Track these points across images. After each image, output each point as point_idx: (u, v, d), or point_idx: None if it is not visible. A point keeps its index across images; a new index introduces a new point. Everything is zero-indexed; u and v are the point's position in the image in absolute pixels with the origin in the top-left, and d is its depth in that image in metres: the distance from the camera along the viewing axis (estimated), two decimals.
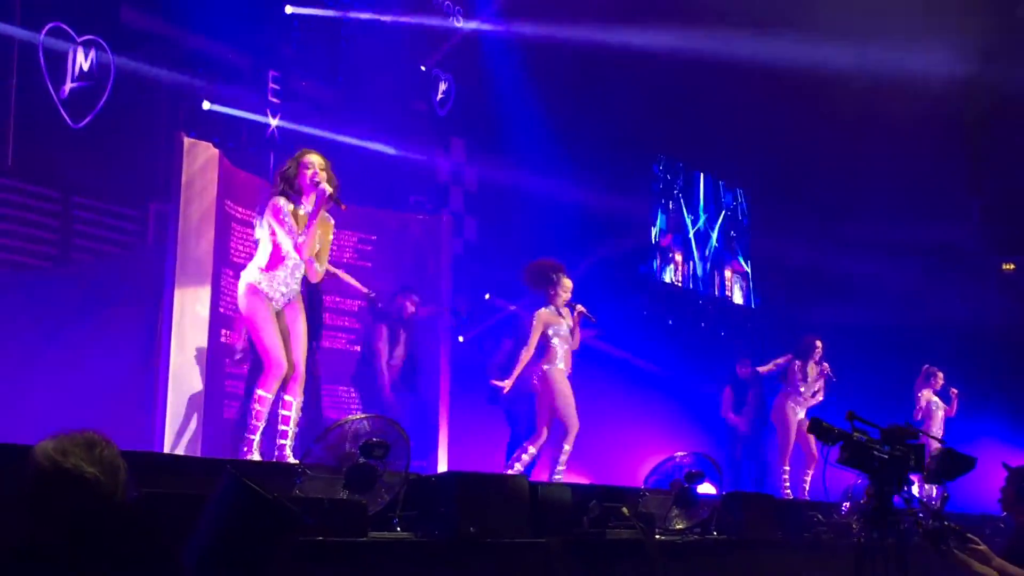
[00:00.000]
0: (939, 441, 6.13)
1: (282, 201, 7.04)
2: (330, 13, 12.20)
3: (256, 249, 7.26)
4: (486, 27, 13.77)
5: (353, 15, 12.42)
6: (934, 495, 12.84)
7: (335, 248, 10.94)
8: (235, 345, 9.54)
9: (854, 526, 8.93)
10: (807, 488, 11.94)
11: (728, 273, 18.97)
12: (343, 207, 7.18)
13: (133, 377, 9.40)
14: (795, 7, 13.93)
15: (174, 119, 10.34)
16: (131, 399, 9.27)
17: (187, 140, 9.52)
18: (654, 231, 17.20)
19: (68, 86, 9.95)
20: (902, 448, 5.38)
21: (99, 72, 10.19)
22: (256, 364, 8.11)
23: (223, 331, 9.66)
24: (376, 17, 12.61)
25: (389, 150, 12.64)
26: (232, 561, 3.91)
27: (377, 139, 12.46)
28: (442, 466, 10.96)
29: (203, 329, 9.37)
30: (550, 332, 9.35)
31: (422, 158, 13.31)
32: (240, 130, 11.25)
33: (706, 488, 7.80)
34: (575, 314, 9.53)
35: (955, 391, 14.10)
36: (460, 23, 13.70)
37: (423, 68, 13.33)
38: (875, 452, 5.34)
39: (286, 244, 7.03)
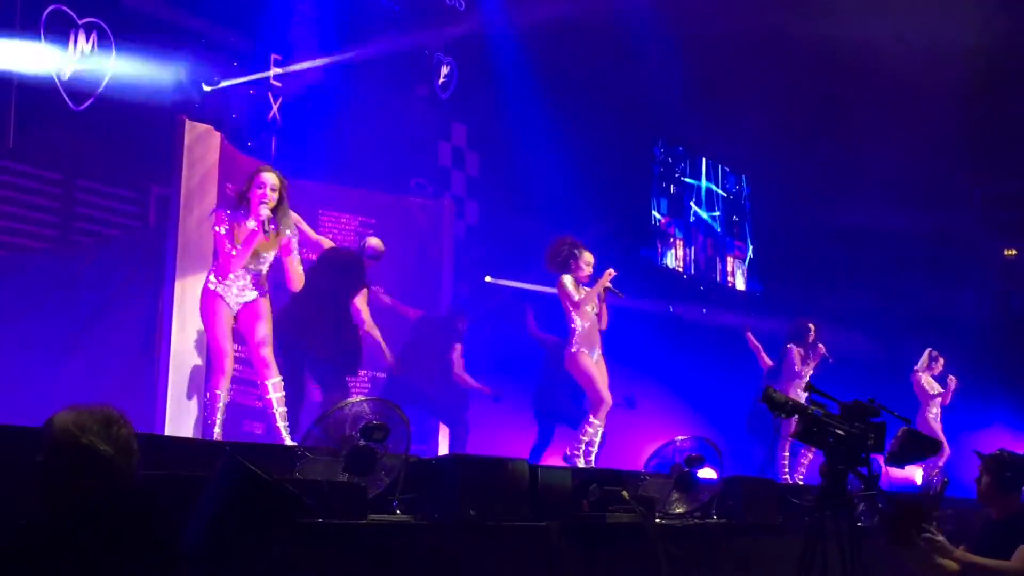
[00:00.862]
0: (904, 420, 5.87)
1: (224, 213, 7.33)
2: None
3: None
4: (488, 11, 13.72)
5: None
6: (935, 480, 12.88)
7: (337, 231, 10.97)
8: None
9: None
10: (803, 472, 11.95)
11: (730, 259, 18.94)
12: (279, 232, 7.45)
13: (134, 359, 9.40)
14: None
15: (176, 102, 10.30)
16: (132, 381, 9.28)
17: (188, 123, 9.51)
18: (655, 214, 17.17)
19: (70, 68, 9.92)
20: (860, 426, 5.17)
21: (100, 55, 10.16)
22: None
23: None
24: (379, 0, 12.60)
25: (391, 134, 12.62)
26: (231, 542, 3.92)
27: (379, 122, 12.43)
28: (442, 449, 10.97)
29: None
30: (573, 312, 9.35)
31: (424, 142, 13.28)
32: (242, 113, 11.22)
33: (706, 472, 7.81)
34: (600, 291, 9.53)
35: (953, 379, 14.10)
36: (463, 7, 13.67)
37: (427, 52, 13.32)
38: (832, 428, 5.14)
39: (234, 258, 7.27)
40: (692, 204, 18.08)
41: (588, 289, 9.45)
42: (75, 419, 3.20)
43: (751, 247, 19.32)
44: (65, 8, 9.89)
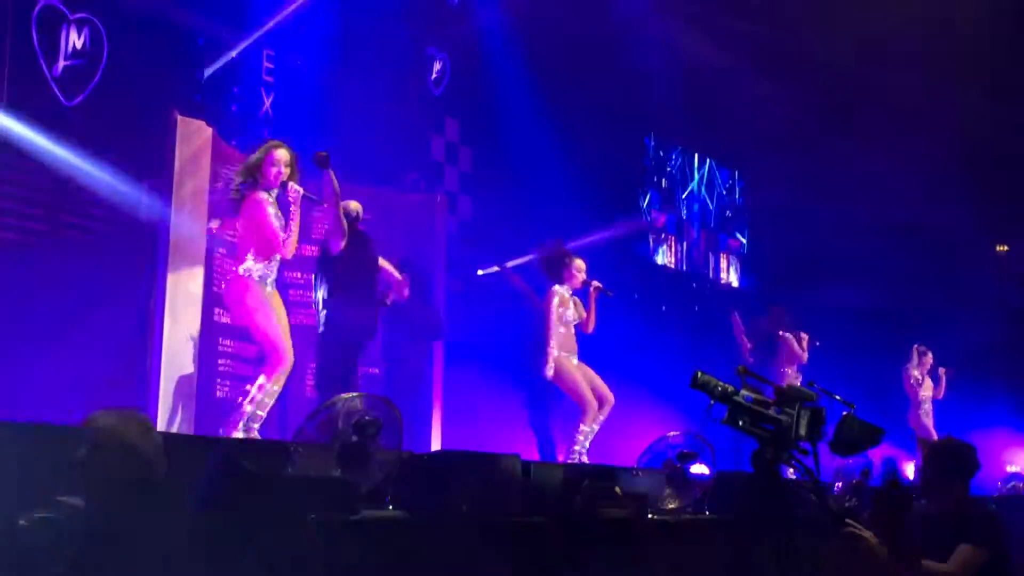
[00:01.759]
0: (847, 404, 5.74)
1: (263, 195, 7.16)
2: None
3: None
4: (481, 6, 13.71)
5: None
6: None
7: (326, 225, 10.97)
8: None
9: (847, 504, 8.96)
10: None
11: (724, 255, 18.90)
12: (324, 203, 7.35)
13: (126, 355, 9.38)
14: None
15: (168, 97, 10.27)
16: (124, 377, 9.25)
17: (180, 118, 9.48)
18: (644, 202, 17.11)
19: (61, 64, 9.90)
20: (791, 412, 4.71)
21: (92, 50, 10.14)
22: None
23: (216, 309, 9.64)
24: None
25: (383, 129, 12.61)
26: (223, 537, 3.93)
27: (371, 118, 12.41)
28: (435, 445, 10.97)
29: (196, 307, 9.35)
30: (553, 317, 9.38)
31: (417, 137, 13.28)
32: (234, 108, 11.21)
33: (699, 468, 7.82)
34: (592, 291, 9.58)
35: (943, 371, 14.14)
36: (455, 2, 13.66)
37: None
38: (763, 414, 4.71)
39: (275, 239, 7.14)
40: (684, 199, 18.05)
41: (572, 305, 9.49)
42: (119, 421, 3.57)
43: (745, 242, 19.28)
44: (57, 3, 9.87)
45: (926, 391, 13.95)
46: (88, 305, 9.30)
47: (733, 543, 4.97)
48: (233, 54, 11.09)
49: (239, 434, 7.05)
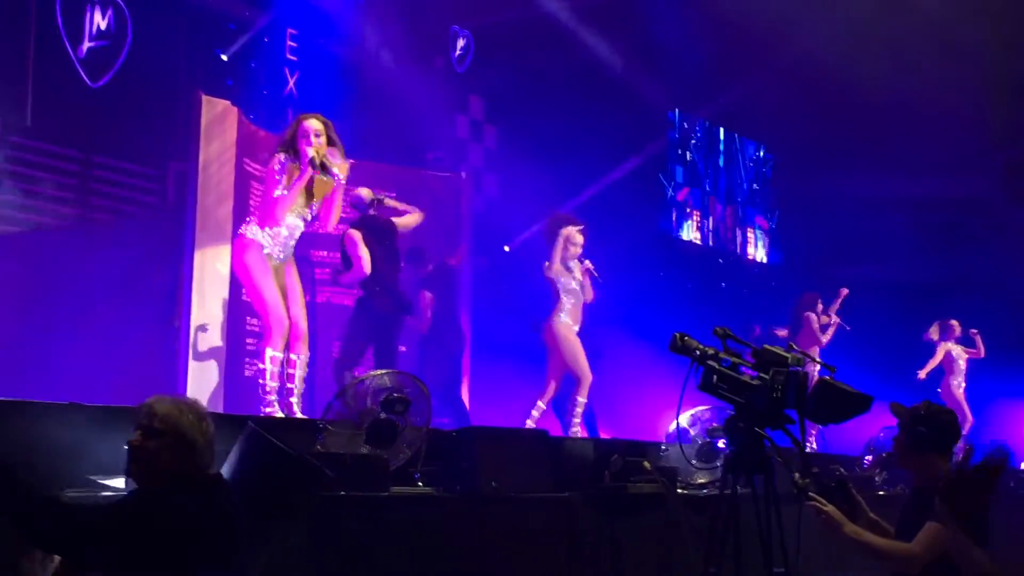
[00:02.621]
0: (829, 368, 4.82)
1: (282, 155, 7.10)
2: None
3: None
4: None
5: None
6: (957, 448, 12.82)
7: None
8: None
9: (877, 478, 8.91)
10: (813, 440, 11.92)
11: (751, 230, 18.73)
12: (335, 176, 7.24)
13: (154, 335, 9.43)
14: None
15: (192, 77, 10.29)
16: (153, 357, 9.31)
17: (206, 98, 9.51)
18: (671, 185, 17.02)
19: (86, 45, 9.92)
20: (764, 377, 4.39)
21: (117, 31, 10.15)
22: None
23: (244, 289, 9.66)
24: None
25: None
26: (255, 514, 3.94)
27: (395, 97, 12.39)
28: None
29: (223, 287, 9.39)
30: (558, 286, 9.45)
31: (441, 115, 13.25)
32: (259, 88, 11.21)
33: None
34: (583, 269, 9.63)
35: (975, 331, 14.09)
36: None
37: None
38: (736, 379, 4.44)
39: (283, 200, 7.07)
40: (709, 173, 17.89)
41: (564, 270, 9.52)
42: (176, 408, 3.64)
43: (772, 217, 19.14)
44: None
45: (959, 359, 13.90)
46: (116, 286, 9.36)
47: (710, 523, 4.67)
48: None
49: (276, 412, 7.05)
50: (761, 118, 17.67)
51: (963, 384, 13.98)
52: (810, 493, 4.57)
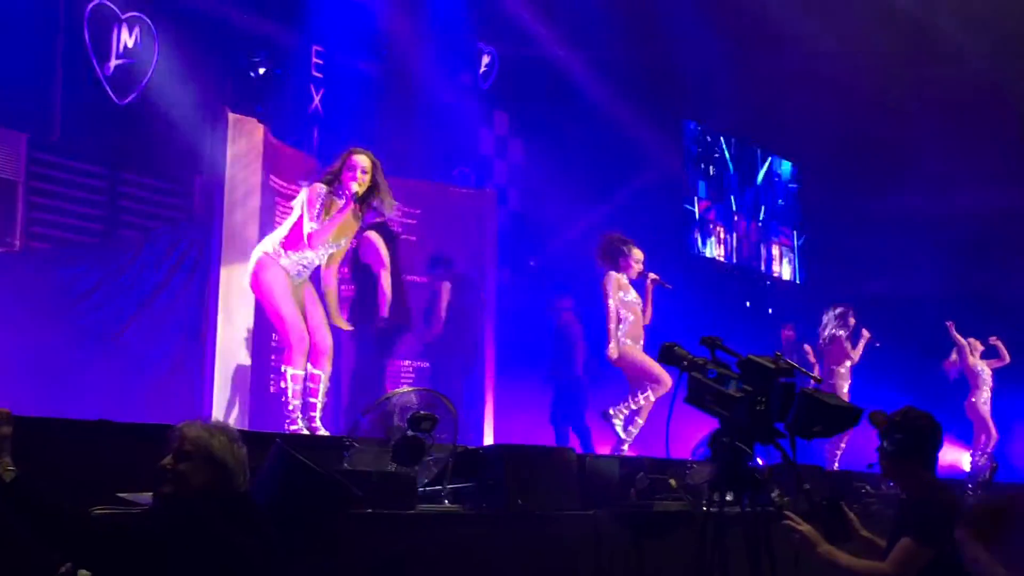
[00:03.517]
0: (815, 379, 4.80)
1: (322, 187, 7.09)
2: None
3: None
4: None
5: None
6: (983, 466, 12.73)
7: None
8: None
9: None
10: (838, 457, 11.83)
11: (776, 246, 18.51)
12: (383, 213, 7.27)
13: (181, 351, 9.45)
14: None
15: (219, 95, 10.35)
16: (179, 373, 9.34)
17: (232, 115, 9.54)
18: (695, 200, 16.92)
19: (113, 63, 10.00)
20: (750, 388, 4.17)
21: (143, 49, 10.23)
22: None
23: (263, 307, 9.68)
24: None
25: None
26: (283, 532, 3.92)
27: (420, 113, 12.43)
28: (488, 439, 10.97)
29: (250, 304, 9.38)
30: (617, 299, 9.31)
31: (466, 131, 13.28)
32: (284, 105, 11.25)
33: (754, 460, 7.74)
34: (648, 283, 9.54)
35: (994, 338, 13.95)
36: None
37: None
38: (719, 391, 4.22)
39: (308, 230, 7.06)
40: (734, 189, 17.76)
41: (632, 289, 9.42)
42: (206, 431, 3.71)
43: (798, 234, 18.91)
44: (108, 3, 9.97)
45: (984, 373, 13.77)
46: (142, 302, 9.41)
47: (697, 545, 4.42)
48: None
49: (301, 430, 7.03)
50: (788, 133, 17.56)
51: (988, 400, 13.82)
52: (785, 512, 4.47)
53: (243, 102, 10.36)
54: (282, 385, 7.17)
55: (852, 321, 12.30)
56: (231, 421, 8.87)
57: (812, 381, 4.90)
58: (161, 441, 3.77)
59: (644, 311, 9.49)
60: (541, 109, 13.68)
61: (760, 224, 18.24)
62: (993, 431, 13.54)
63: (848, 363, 12.09)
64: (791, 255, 18.67)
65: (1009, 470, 12.04)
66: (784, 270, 18.54)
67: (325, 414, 7.47)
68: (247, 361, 9.30)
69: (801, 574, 4.44)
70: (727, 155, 17.73)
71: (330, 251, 7.34)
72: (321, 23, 11.69)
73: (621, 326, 9.25)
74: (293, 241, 7.13)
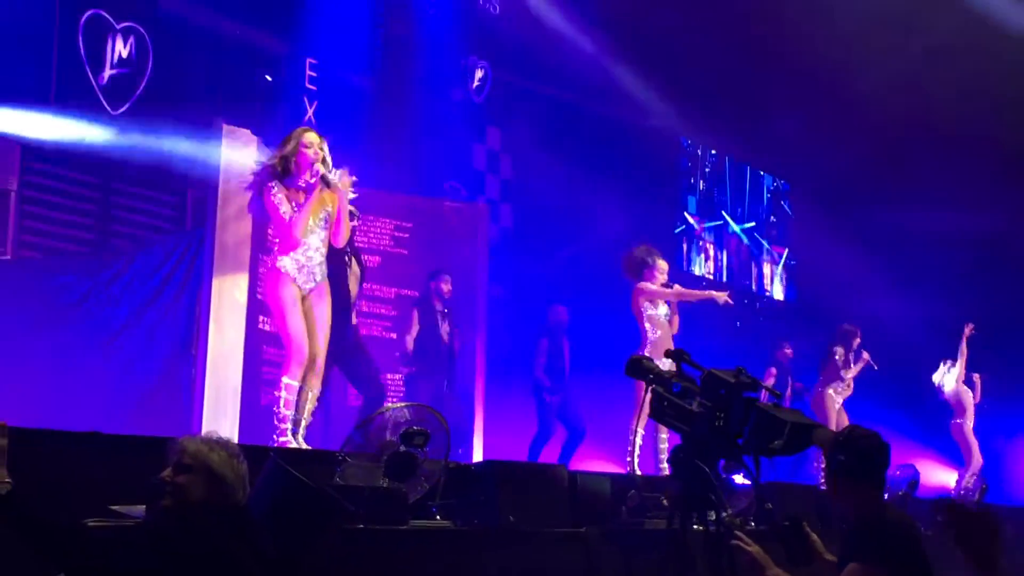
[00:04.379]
0: (774, 394, 4.70)
1: (274, 183, 7.07)
2: None
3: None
4: (521, 13, 13.70)
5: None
6: (971, 487, 12.74)
7: (373, 235, 10.99)
8: None
9: None
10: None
11: (767, 264, 18.40)
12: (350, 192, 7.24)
13: (171, 363, 9.43)
14: None
15: (212, 106, 10.35)
16: (169, 385, 9.32)
17: (225, 127, 9.53)
18: (685, 216, 16.91)
19: (107, 73, 9.99)
20: (708, 403, 4.06)
21: (138, 59, 10.22)
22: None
23: (260, 317, 9.67)
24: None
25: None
26: (276, 546, 3.92)
27: (413, 126, 12.44)
28: (477, 454, 10.95)
29: (241, 315, 9.39)
30: (645, 319, 9.29)
31: (458, 145, 13.29)
32: (278, 116, 11.25)
33: (744, 478, 7.74)
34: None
35: (977, 376, 13.94)
36: (496, 10, 13.67)
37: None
38: (680, 407, 4.10)
39: (285, 228, 7.06)
40: (724, 204, 17.73)
41: (662, 303, 9.40)
42: (205, 445, 3.76)
43: (790, 252, 18.83)
44: (103, 13, 9.96)
45: (968, 404, 13.74)
46: (134, 312, 9.39)
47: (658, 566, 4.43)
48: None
49: (291, 442, 7.00)
50: (780, 150, 17.54)
51: (969, 424, 13.75)
52: (735, 532, 4.31)
53: (237, 113, 10.36)
54: (276, 394, 7.15)
55: (856, 341, 12.31)
56: (221, 433, 8.84)
57: (765, 394, 4.80)
58: (153, 453, 3.77)
59: (671, 323, 9.49)
60: (534, 124, 13.68)
61: (750, 242, 18.18)
62: (977, 454, 13.50)
63: (839, 383, 12.12)
64: (783, 273, 18.62)
65: (998, 491, 12.07)
66: (775, 289, 18.46)
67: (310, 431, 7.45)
68: (238, 373, 9.27)
69: None
70: (716, 172, 17.67)
71: (322, 231, 7.24)
72: (315, 35, 11.70)
73: (649, 346, 9.21)
74: (286, 241, 7.11)
